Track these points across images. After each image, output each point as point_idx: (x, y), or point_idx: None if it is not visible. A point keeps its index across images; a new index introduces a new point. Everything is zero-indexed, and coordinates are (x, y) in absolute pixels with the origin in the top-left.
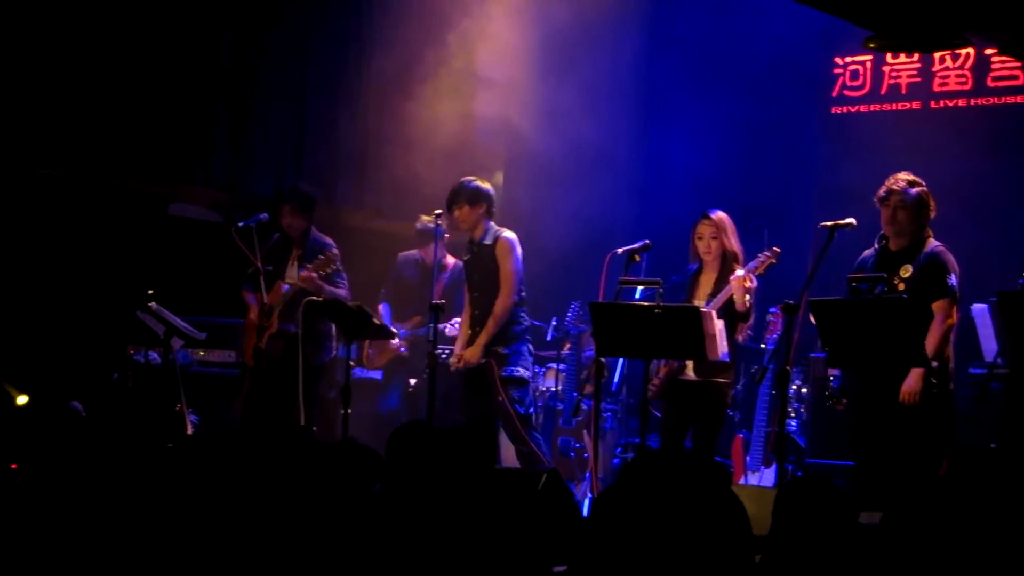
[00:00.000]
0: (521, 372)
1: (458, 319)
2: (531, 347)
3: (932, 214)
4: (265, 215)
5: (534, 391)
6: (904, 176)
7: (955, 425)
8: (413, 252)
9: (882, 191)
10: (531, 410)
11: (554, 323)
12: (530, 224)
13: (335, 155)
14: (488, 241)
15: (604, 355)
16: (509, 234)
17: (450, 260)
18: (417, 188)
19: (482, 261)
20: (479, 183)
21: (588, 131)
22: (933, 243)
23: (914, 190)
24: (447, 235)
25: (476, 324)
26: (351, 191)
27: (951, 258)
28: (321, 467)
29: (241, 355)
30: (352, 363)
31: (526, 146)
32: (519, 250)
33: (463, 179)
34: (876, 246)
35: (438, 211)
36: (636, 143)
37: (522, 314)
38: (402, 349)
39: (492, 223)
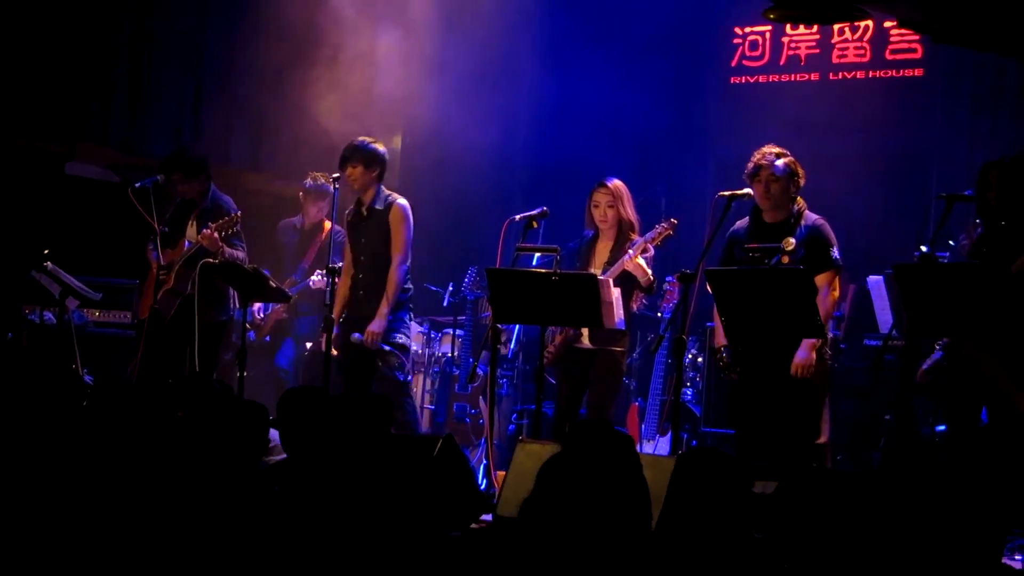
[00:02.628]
0: (402, 339)
1: (322, 271)
2: (412, 314)
3: (802, 182)
4: (160, 176)
5: (430, 357)
6: (770, 149)
7: (829, 393)
8: (292, 219)
9: (750, 166)
10: (409, 377)
11: (451, 288)
12: (427, 189)
13: (232, 117)
14: (379, 206)
15: (501, 321)
16: (403, 201)
17: (327, 223)
18: (316, 151)
19: (371, 225)
20: (376, 145)
21: (486, 93)
22: (811, 216)
23: (782, 162)
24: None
25: (358, 288)
26: (249, 153)
27: (830, 231)
28: (216, 419)
29: (136, 316)
30: (248, 326)
31: (425, 109)
32: (411, 218)
33: (359, 139)
34: (747, 219)
35: (336, 174)
36: (535, 105)
37: (408, 282)
38: (281, 312)
39: (383, 188)
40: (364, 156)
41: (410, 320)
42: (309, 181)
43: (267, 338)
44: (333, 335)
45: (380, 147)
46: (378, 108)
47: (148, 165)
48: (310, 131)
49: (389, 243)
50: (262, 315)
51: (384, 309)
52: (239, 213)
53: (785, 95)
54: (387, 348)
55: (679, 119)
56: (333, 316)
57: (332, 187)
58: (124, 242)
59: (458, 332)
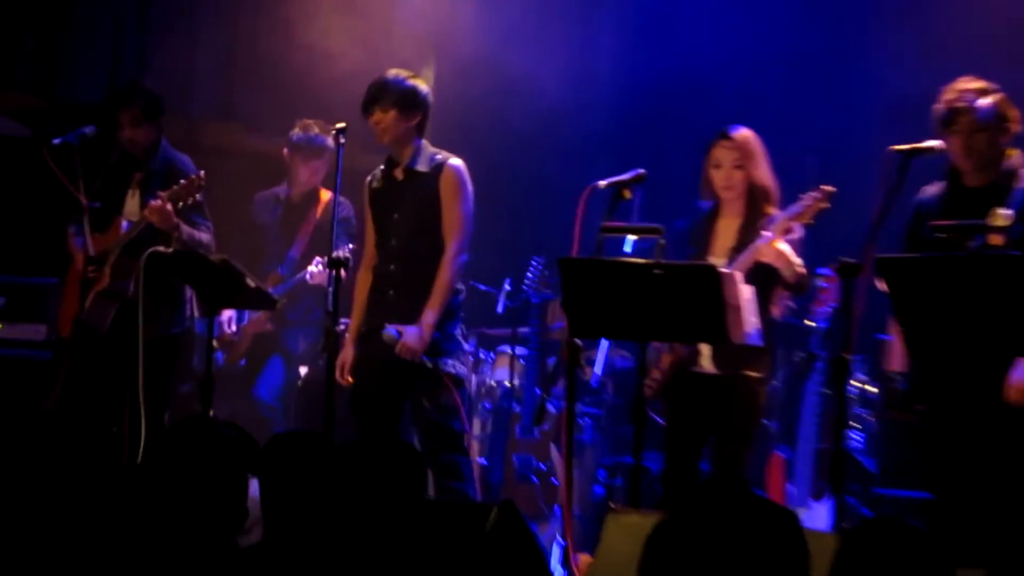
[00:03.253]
0: (456, 367)
1: (321, 259)
2: (464, 328)
3: (1016, 128)
4: (92, 128)
5: (480, 387)
6: (969, 84)
7: None
8: (275, 188)
9: (942, 110)
10: (468, 427)
11: (507, 288)
12: (470, 149)
13: (193, 49)
14: (423, 168)
15: (581, 335)
16: (458, 162)
17: (324, 193)
18: (310, 94)
19: (409, 195)
20: (415, 82)
21: (555, 14)
22: None
23: (987, 101)
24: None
25: (387, 286)
26: (214, 98)
27: None
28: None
29: (55, 329)
30: (215, 343)
31: (464, 38)
32: (471, 187)
33: (393, 72)
34: (943, 183)
35: (341, 124)
36: (624, 28)
37: (459, 281)
38: (263, 323)
39: (426, 142)
40: (399, 96)
41: (463, 338)
42: (297, 132)
43: (242, 361)
44: (344, 357)
45: (422, 85)
46: (400, 33)
47: (71, 113)
48: (300, 64)
49: (436, 221)
50: (235, 327)
51: (431, 316)
52: (202, 175)
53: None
54: (430, 364)
55: (828, 40)
56: (344, 328)
57: (332, 141)
58: (36, 223)
59: (519, 351)
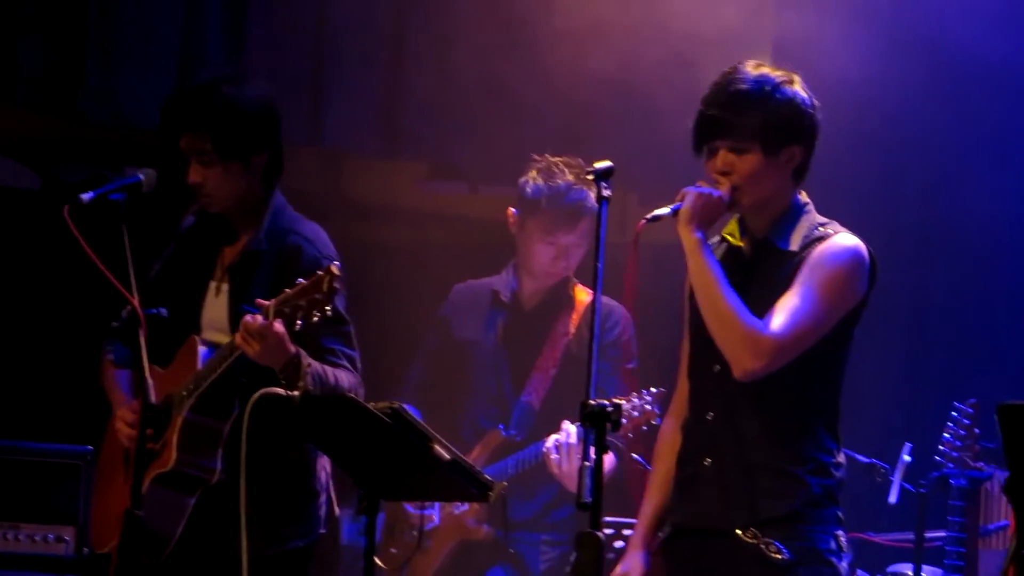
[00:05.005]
0: None
1: (572, 424)
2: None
3: None
4: (150, 171)
5: None
6: None
7: None
8: (484, 282)
9: None
10: None
11: (906, 459)
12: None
13: (344, 46)
14: (794, 247)
15: None
16: (851, 240)
17: (582, 293)
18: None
19: (769, 283)
20: (795, 87)
21: None
22: None
23: None
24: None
25: (708, 451)
26: (368, 126)
27: None
28: None
29: (87, 537)
30: (380, 564)
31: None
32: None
33: (745, 67)
34: None
35: (604, 163)
36: None
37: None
38: (469, 520)
39: (804, 199)
40: (778, 111)
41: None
42: (535, 180)
43: None
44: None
45: (803, 91)
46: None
47: (110, 146)
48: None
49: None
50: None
51: None
52: (335, 268)
53: None
54: None
55: None
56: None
57: (593, 192)
58: (48, 340)
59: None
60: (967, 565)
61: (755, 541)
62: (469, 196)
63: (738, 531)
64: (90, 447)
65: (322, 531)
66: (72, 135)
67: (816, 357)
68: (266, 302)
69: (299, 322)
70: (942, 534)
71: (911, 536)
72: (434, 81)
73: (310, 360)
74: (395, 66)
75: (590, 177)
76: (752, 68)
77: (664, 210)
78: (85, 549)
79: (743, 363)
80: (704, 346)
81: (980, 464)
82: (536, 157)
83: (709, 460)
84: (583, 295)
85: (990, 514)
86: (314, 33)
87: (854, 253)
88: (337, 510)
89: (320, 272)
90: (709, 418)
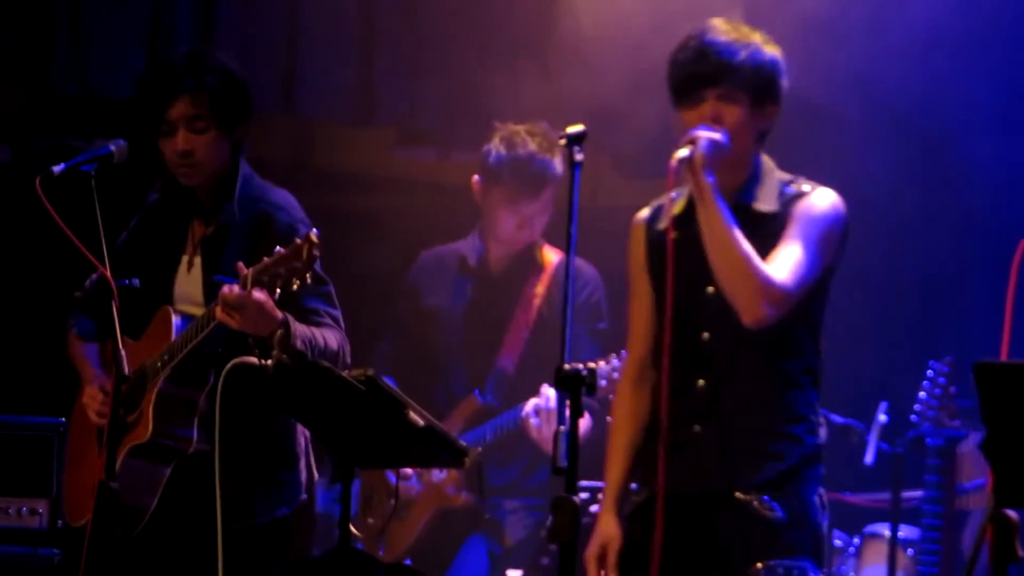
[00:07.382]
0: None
1: (550, 388)
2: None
3: None
4: (120, 143)
5: None
6: None
7: None
8: (451, 247)
9: None
10: None
11: (882, 419)
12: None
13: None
14: (769, 207)
15: (1016, 504)
16: (833, 194)
17: (550, 254)
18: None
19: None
20: (769, 50)
21: None
22: None
23: None
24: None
25: (698, 418)
26: (346, 95)
27: None
28: None
29: (61, 510)
30: (356, 533)
31: None
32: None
33: (724, 23)
34: None
35: (576, 127)
36: None
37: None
38: (448, 488)
39: (767, 160)
40: (759, 73)
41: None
42: (498, 148)
43: (408, 560)
44: (603, 538)
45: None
46: None
47: (81, 117)
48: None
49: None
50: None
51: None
52: (314, 236)
53: None
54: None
55: None
56: (589, 497)
57: (561, 162)
58: (18, 313)
59: (907, 534)
60: (944, 524)
61: (755, 502)
62: (439, 163)
63: (738, 493)
64: (62, 419)
65: (303, 497)
66: (42, 107)
67: (806, 312)
68: (245, 269)
69: (278, 290)
70: (919, 494)
71: (888, 496)
72: (405, 48)
73: (298, 324)
74: (367, 34)
75: (562, 142)
76: (731, 25)
77: (684, 152)
78: (59, 522)
79: (756, 310)
80: (688, 314)
81: (956, 423)
82: (498, 125)
83: (699, 427)
84: (551, 256)
85: (967, 473)
86: (285, 1)
87: (839, 208)
88: (316, 475)
89: (299, 240)
90: (700, 385)
